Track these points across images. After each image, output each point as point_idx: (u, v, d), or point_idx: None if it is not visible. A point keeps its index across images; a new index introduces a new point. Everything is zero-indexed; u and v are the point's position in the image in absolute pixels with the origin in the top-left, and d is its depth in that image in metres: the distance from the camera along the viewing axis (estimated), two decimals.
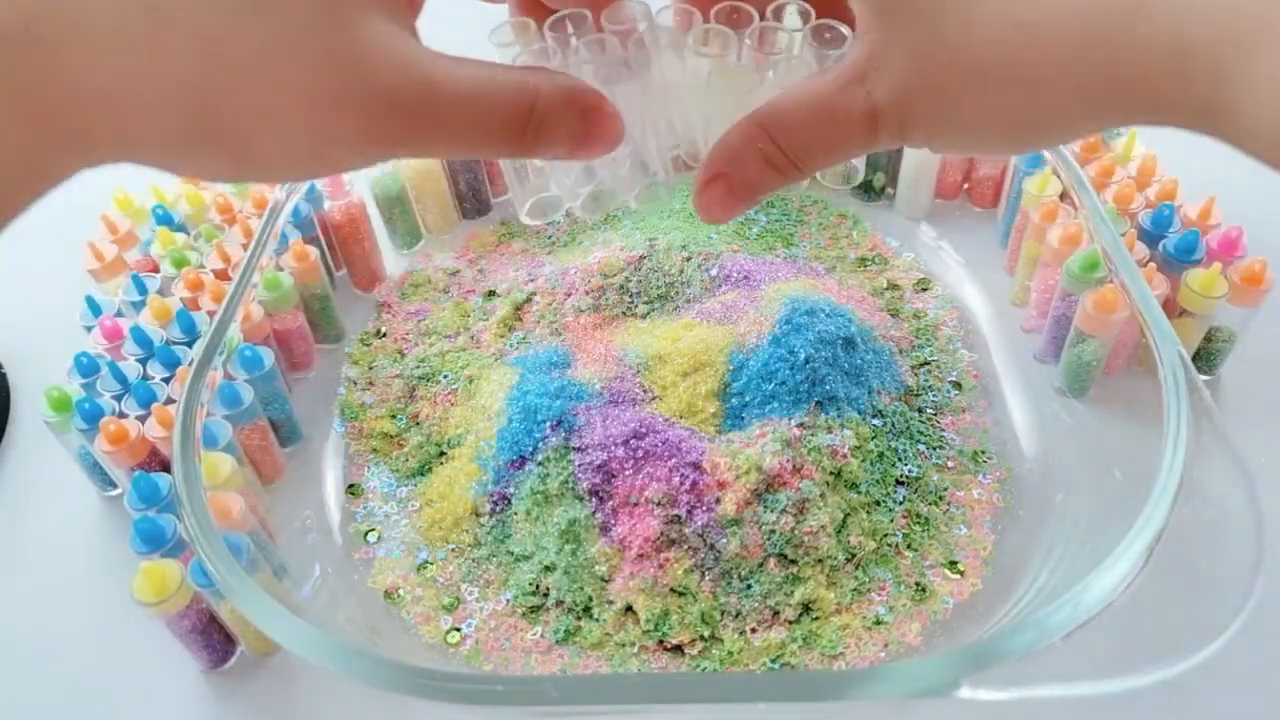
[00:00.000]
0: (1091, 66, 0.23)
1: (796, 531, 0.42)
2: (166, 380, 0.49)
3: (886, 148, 0.28)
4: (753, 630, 0.42)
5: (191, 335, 0.52)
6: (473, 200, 0.67)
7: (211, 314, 0.52)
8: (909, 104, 0.26)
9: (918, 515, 0.46)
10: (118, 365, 0.49)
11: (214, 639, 0.43)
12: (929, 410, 0.51)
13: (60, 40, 0.21)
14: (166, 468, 0.47)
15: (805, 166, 0.28)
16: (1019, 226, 0.58)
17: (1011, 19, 0.23)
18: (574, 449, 0.45)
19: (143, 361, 0.50)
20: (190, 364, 0.44)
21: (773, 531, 0.42)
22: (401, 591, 0.45)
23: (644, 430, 0.45)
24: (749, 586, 0.42)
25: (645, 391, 0.48)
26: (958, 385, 0.53)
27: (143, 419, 0.47)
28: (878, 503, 0.46)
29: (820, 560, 0.43)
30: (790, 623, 0.42)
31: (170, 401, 0.48)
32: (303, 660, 0.32)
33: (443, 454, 0.51)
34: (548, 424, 0.46)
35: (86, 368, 0.49)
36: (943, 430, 0.50)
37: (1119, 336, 0.49)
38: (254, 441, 0.47)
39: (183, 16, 0.22)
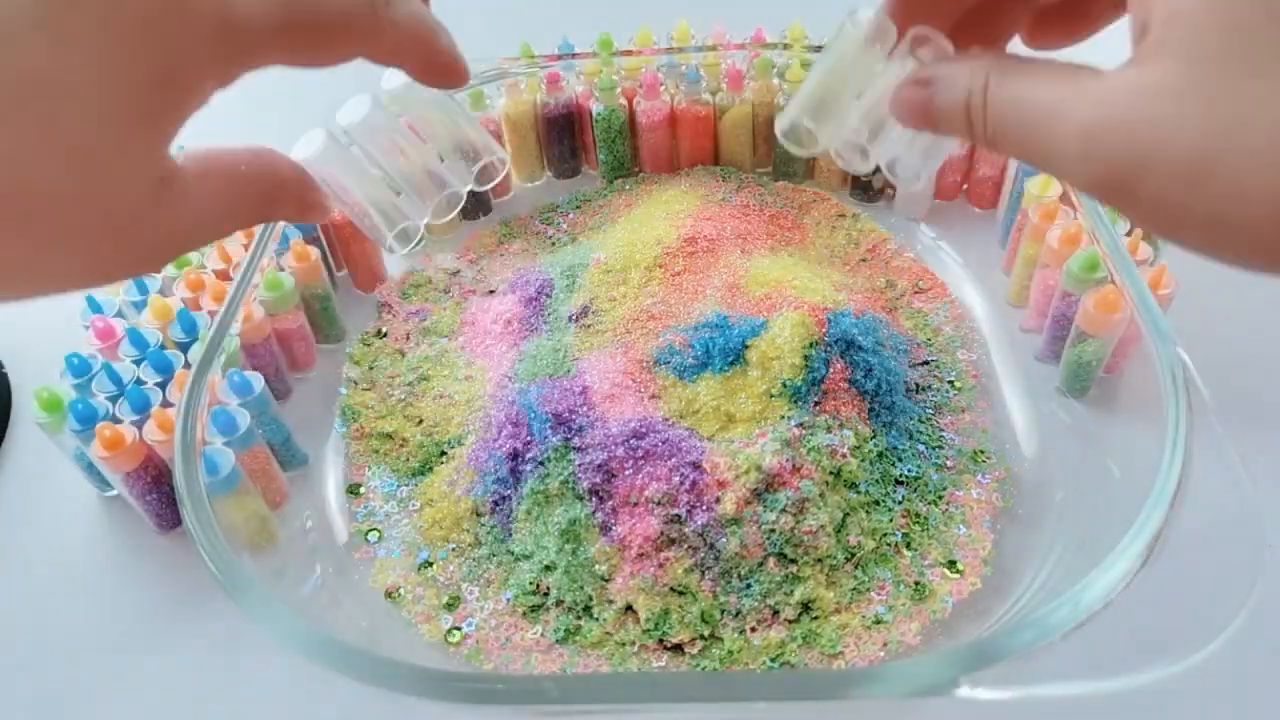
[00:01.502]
0: None
1: (796, 531, 0.43)
2: (161, 385, 0.49)
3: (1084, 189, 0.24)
4: (752, 630, 0.42)
5: (192, 335, 0.52)
6: (473, 200, 0.67)
7: (212, 314, 0.52)
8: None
9: (917, 515, 0.46)
10: (112, 366, 0.49)
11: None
12: (928, 410, 0.51)
13: None
14: (162, 475, 0.47)
15: (994, 148, 0.27)
16: (1018, 227, 0.58)
17: None
18: (574, 449, 0.45)
19: (137, 362, 0.50)
20: (190, 365, 0.44)
21: (772, 531, 0.42)
22: (402, 591, 0.45)
23: (644, 430, 0.45)
24: (749, 586, 0.43)
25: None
26: (957, 385, 0.53)
27: (139, 424, 0.47)
28: (877, 502, 0.46)
29: (820, 560, 0.43)
30: (790, 622, 0.42)
31: (168, 405, 0.48)
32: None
33: (443, 454, 0.51)
34: (548, 424, 0.46)
35: (78, 368, 0.49)
36: (942, 430, 0.50)
37: (1120, 336, 0.49)
38: (255, 467, 0.47)
39: None
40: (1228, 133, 0.20)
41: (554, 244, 0.65)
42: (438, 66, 0.30)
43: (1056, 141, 0.24)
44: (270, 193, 0.28)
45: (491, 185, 0.40)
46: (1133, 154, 0.22)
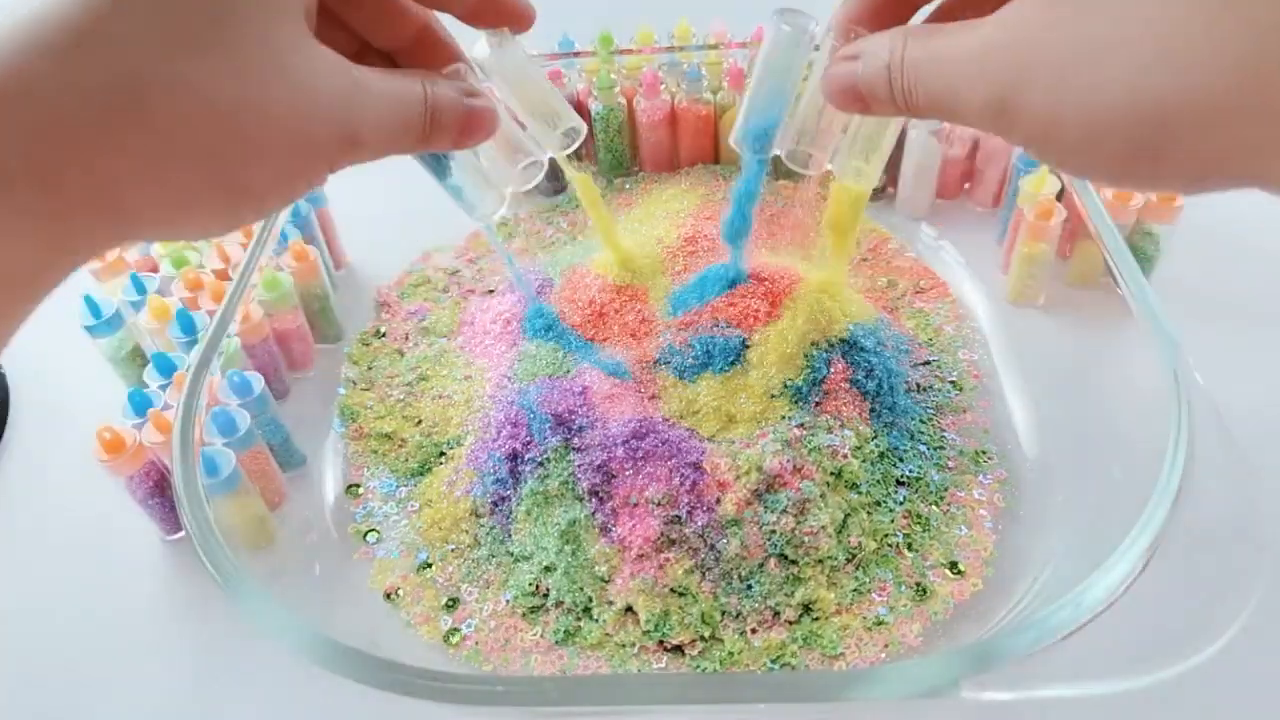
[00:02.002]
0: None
1: (797, 532, 0.42)
2: (162, 387, 0.49)
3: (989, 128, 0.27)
4: (753, 631, 0.42)
5: (191, 335, 0.51)
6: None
7: (211, 314, 0.52)
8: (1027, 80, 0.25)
9: (918, 515, 0.46)
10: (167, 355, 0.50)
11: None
12: (930, 410, 0.51)
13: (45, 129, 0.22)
14: (165, 479, 0.47)
15: (924, 116, 0.30)
16: (1014, 225, 0.58)
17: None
18: (574, 449, 0.45)
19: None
20: (189, 367, 0.44)
21: (773, 532, 0.42)
22: (401, 592, 0.45)
23: (644, 430, 0.45)
24: (749, 587, 0.42)
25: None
26: (958, 385, 0.53)
27: (139, 427, 0.46)
28: (878, 503, 0.46)
29: (820, 560, 0.43)
30: (790, 623, 0.42)
31: (168, 407, 0.48)
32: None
33: (443, 454, 0.51)
34: (548, 424, 0.46)
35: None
36: (943, 430, 0.50)
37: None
38: (254, 468, 0.47)
39: (144, 80, 0.22)
40: (1090, 41, 0.23)
41: (554, 244, 0.65)
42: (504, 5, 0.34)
43: (958, 79, 0.27)
44: (435, 115, 0.30)
45: (575, 147, 0.43)
46: (1016, 67, 0.25)
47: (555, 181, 0.70)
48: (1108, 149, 0.24)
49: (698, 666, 0.41)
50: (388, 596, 0.45)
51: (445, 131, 0.31)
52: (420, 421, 0.52)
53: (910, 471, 0.47)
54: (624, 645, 0.42)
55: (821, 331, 0.49)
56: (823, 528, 0.43)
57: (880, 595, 0.43)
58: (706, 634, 0.42)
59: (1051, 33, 0.24)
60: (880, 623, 0.42)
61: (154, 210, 0.24)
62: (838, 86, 0.32)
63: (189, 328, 0.51)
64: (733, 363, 0.48)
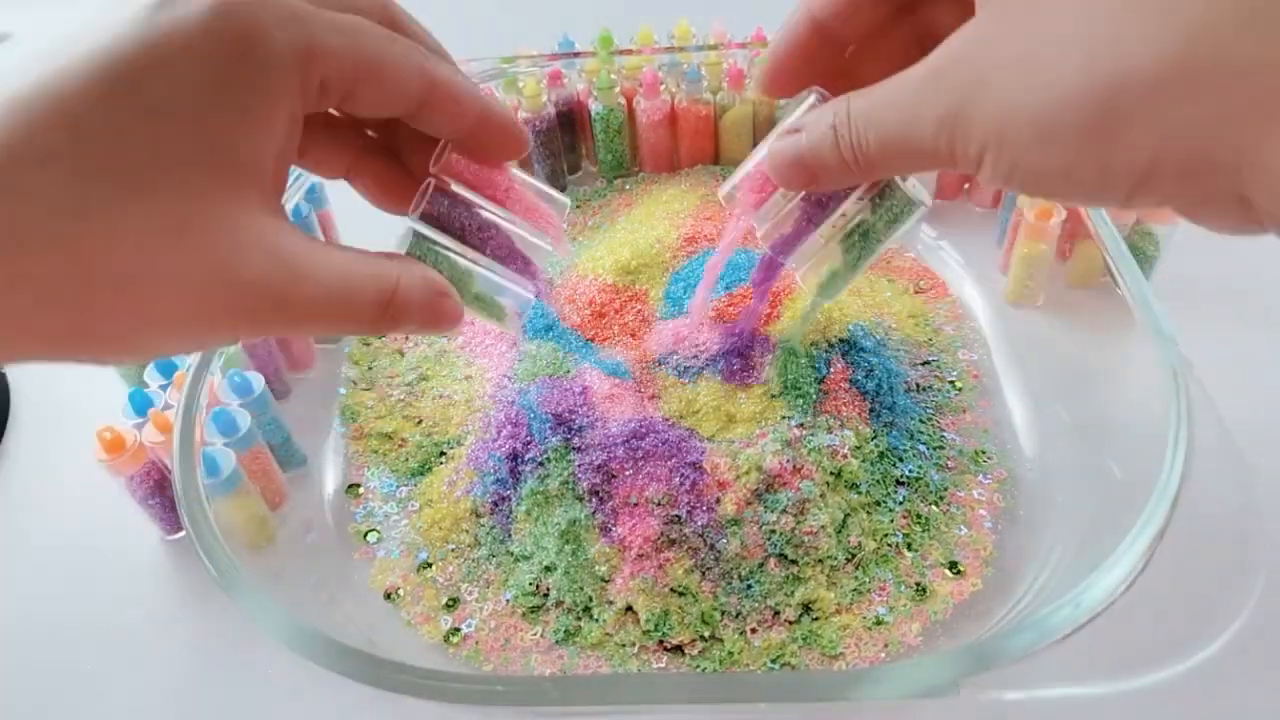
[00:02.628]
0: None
1: (797, 532, 0.42)
2: (162, 387, 0.49)
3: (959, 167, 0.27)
4: (753, 630, 0.42)
5: None
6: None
7: None
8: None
9: (918, 515, 0.46)
10: None
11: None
12: (929, 410, 0.51)
13: None
14: (165, 479, 0.47)
15: (876, 171, 0.30)
16: (1013, 226, 0.58)
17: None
18: (574, 449, 0.45)
19: None
20: (189, 367, 0.44)
21: (773, 532, 0.42)
22: (401, 591, 0.45)
23: (644, 430, 0.45)
24: (749, 587, 0.42)
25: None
26: (957, 385, 0.53)
27: (139, 426, 0.46)
28: (878, 503, 0.46)
29: (820, 560, 0.43)
30: (790, 623, 0.42)
31: (168, 407, 0.48)
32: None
33: (443, 454, 0.51)
34: (548, 424, 0.46)
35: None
36: (943, 430, 0.50)
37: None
38: (255, 468, 0.46)
39: (44, 227, 0.22)
40: (1042, 40, 0.24)
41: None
42: (494, 127, 0.32)
43: (911, 104, 0.27)
44: (399, 302, 0.29)
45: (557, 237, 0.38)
46: (970, 76, 0.25)
47: (557, 181, 0.70)
48: (1061, 139, 0.24)
49: (698, 666, 0.41)
50: (388, 596, 0.45)
51: (408, 321, 0.29)
52: (420, 421, 0.52)
53: (910, 471, 0.48)
54: (624, 645, 0.42)
55: (821, 331, 0.49)
56: (822, 527, 0.43)
57: (880, 595, 0.43)
58: (706, 634, 0.42)
59: (1004, 41, 0.25)
60: (880, 622, 0.42)
61: (30, 348, 0.24)
62: (782, 161, 0.32)
63: None
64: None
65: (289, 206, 0.54)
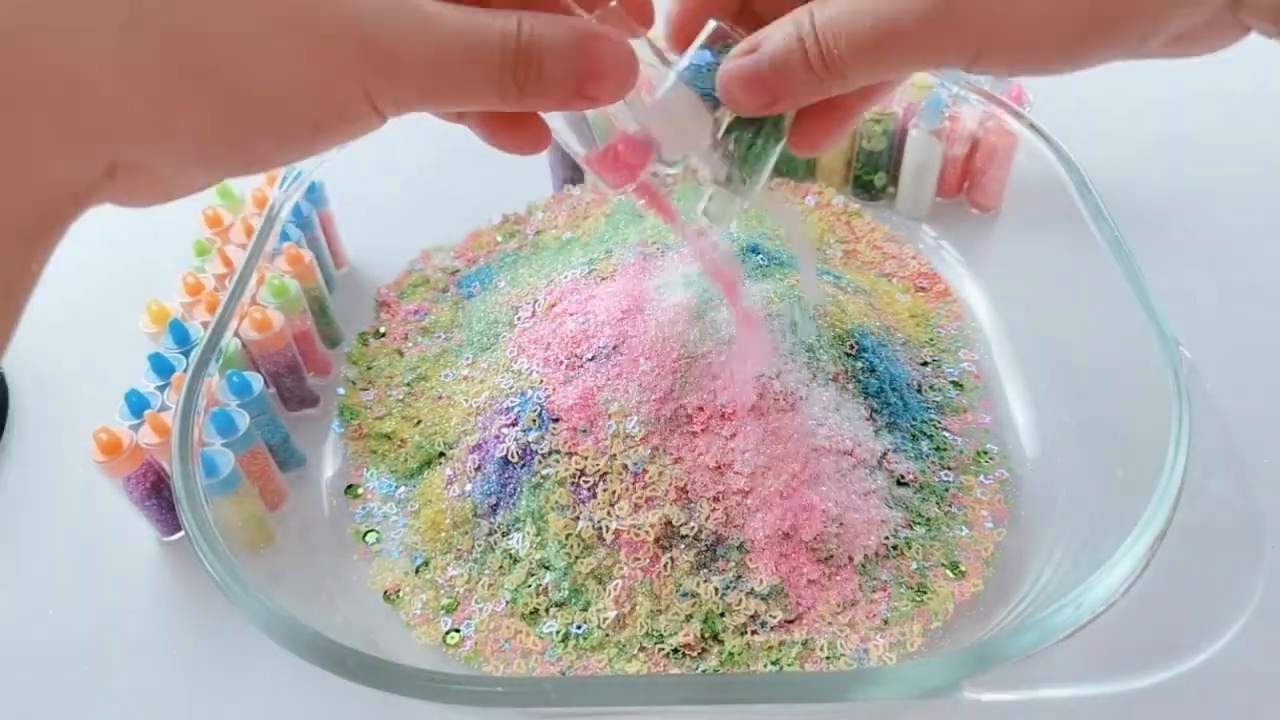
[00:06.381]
0: None
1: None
2: (160, 388, 0.49)
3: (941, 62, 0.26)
4: (753, 631, 0.42)
5: (185, 345, 0.51)
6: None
7: (210, 313, 0.52)
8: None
9: (919, 515, 0.46)
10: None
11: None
12: (930, 410, 0.51)
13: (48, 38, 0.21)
14: (162, 480, 0.47)
15: (848, 79, 0.27)
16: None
17: None
18: (574, 449, 0.45)
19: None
20: (188, 368, 0.44)
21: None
22: (401, 592, 0.45)
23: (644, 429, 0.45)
24: (749, 587, 0.42)
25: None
26: (958, 385, 0.53)
27: (136, 427, 0.46)
28: (879, 503, 0.46)
29: (821, 560, 0.43)
30: (790, 623, 0.42)
31: (165, 409, 0.47)
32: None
33: (442, 454, 0.50)
34: (547, 424, 0.46)
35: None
36: (944, 430, 0.50)
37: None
38: (254, 468, 0.46)
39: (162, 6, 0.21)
40: None
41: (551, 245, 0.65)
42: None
43: (896, 5, 0.25)
44: (528, 55, 0.25)
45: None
46: None
47: (572, 171, 0.69)
48: (1060, 17, 0.24)
49: (698, 667, 0.41)
50: (387, 597, 0.45)
51: (551, 81, 0.25)
52: (420, 421, 0.52)
53: (911, 471, 0.47)
54: (624, 645, 0.42)
55: (824, 331, 0.49)
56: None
57: (881, 595, 0.43)
58: (706, 634, 0.42)
59: None
60: (881, 623, 0.42)
61: (153, 133, 0.22)
62: (739, 81, 0.29)
63: (182, 338, 0.51)
64: None
65: (289, 206, 0.54)
